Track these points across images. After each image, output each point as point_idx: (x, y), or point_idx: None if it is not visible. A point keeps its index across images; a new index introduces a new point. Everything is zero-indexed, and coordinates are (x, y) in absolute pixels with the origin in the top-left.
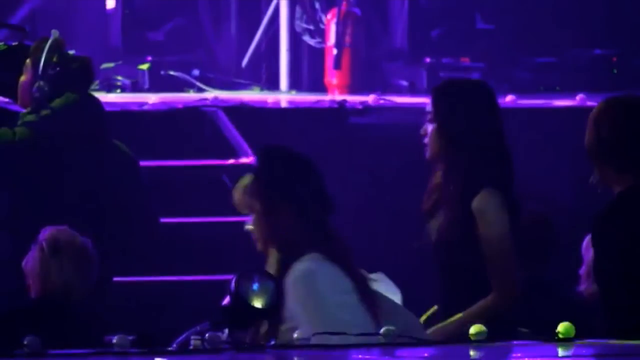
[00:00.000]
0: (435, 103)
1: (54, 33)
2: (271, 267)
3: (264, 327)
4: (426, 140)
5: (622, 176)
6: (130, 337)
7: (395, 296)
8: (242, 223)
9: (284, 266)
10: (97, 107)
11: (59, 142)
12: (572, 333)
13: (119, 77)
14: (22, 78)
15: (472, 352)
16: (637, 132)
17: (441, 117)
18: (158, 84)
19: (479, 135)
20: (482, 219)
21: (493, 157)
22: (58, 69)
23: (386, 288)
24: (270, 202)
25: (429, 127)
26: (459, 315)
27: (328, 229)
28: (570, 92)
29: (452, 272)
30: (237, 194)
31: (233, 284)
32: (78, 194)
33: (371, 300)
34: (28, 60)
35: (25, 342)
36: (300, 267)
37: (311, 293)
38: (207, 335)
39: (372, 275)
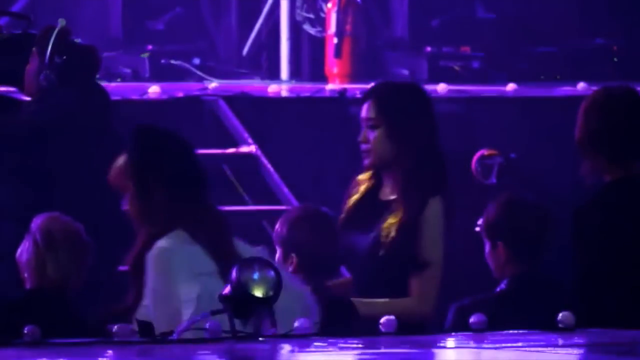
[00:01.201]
0: (380, 108)
1: (61, 22)
2: (138, 244)
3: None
4: (367, 147)
5: (613, 167)
6: (131, 326)
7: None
8: (243, 212)
9: (151, 243)
10: (103, 95)
11: (64, 130)
12: (573, 322)
13: (120, 66)
14: (28, 67)
15: (472, 342)
16: (627, 123)
17: (390, 121)
18: (158, 73)
19: (426, 139)
20: (426, 226)
21: (436, 161)
22: (65, 57)
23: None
24: (141, 181)
25: (371, 134)
26: (382, 301)
27: (199, 209)
28: (571, 81)
29: (393, 282)
30: (113, 173)
31: (234, 273)
32: (83, 182)
33: None
34: (34, 49)
35: (25, 332)
36: (158, 244)
37: (160, 271)
38: (207, 324)
39: (254, 250)
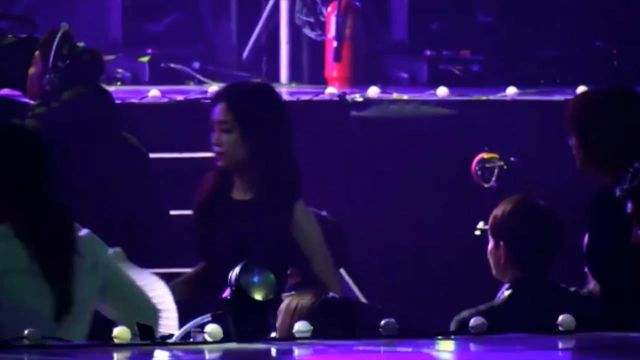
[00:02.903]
0: (233, 111)
1: (64, 25)
2: None
3: None
4: (219, 150)
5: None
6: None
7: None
8: None
9: None
10: (107, 99)
11: (68, 134)
12: (573, 325)
13: (119, 70)
14: (31, 70)
15: (472, 345)
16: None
17: (243, 125)
18: (158, 77)
19: (280, 142)
20: (300, 227)
21: (292, 165)
22: (68, 61)
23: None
24: None
25: (225, 136)
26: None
27: (31, 205)
28: (570, 85)
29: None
30: None
31: (233, 277)
32: (87, 186)
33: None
34: (37, 53)
35: (25, 334)
36: None
37: None
38: (207, 327)
39: (111, 250)
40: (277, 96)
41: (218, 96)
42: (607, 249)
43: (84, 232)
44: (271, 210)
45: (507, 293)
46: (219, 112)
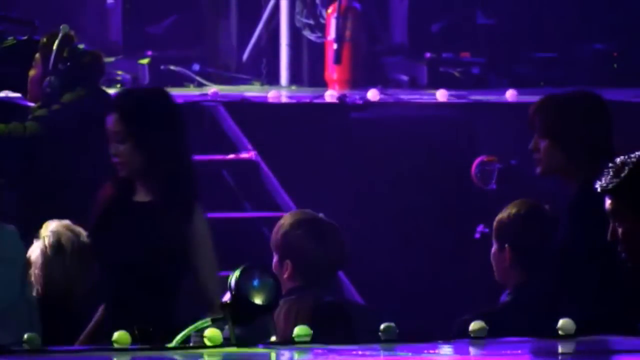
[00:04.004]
0: (125, 121)
1: (64, 28)
2: None
3: None
4: (118, 159)
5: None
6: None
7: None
8: (242, 219)
9: None
10: (108, 101)
11: (69, 136)
12: (573, 329)
13: (119, 72)
14: (32, 72)
15: (472, 349)
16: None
17: (137, 134)
18: (158, 79)
19: (175, 146)
20: (197, 233)
21: (189, 166)
22: (68, 63)
23: None
24: None
25: (121, 147)
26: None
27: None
28: (570, 87)
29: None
30: None
31: (233, 280)
32: (88, 188)
33: None
34: (37, 55)
35: (24, 339)
36: None
37: None
38: (207, 331)
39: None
40: (168, 99)
41: (110, 106)
42: (585, 252)
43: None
44: (170, 210)
45: (509, 298)
46: (111, 122)
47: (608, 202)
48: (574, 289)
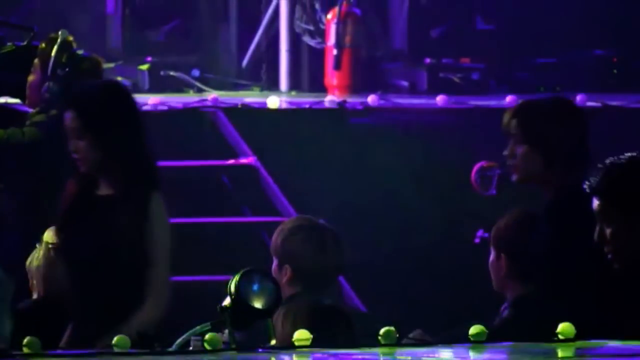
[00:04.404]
0: (81, 118)
1: (63, 33)
2: None
3: None
4: (77, 156)
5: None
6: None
7: None
8: (242, 224)
9: None
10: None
11: (67, 142)
12: (572, 333)
13: (119, 78)
14: (31, 78)
15: (471, 353)
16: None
17: (93, 131)
18: (158, 85)
19: (132, 139)
20: (149, 224)
21: (147, 157)
22: (67, 69)
23: None
24: None
25: (79, 143)
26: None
27: None
28: (570, 93)
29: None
30: None
31: (233, 285)
32: None
33: None
34: (36, 60)
35: (24, 343)
36: None
37: None
38: (207, 335)
39: None
40: (123, 93)
41: (67, 102)
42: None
43: None
44: (127, 203)
45: (507, 314)
46: (69, 119)
47: (596, 203)
48: (564, 296)
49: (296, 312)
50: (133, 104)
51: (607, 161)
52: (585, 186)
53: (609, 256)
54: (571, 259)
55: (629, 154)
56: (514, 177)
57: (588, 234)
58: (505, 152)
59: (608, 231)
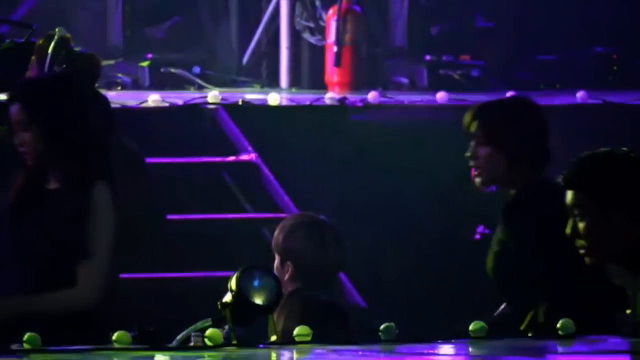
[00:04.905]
0: (27, 110)
1: (60, 30)
2: None
3: None
4: (24, 148)
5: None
6: (131, 334)
7: None
8: (243, 220)
9: None
10: (104, 104)
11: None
12: (572, 329)
13: (120, 75)
14: (28, 75)
15: (471, 349)
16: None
17: (39, 122)
18: (158, 82)
19: (77, 129)
20: (91, 212)
21: (95, 147)
22: (65, 66)
23: None
24: None
25: (25, 135)
26: (47, 295)
27: None
28: (570, 90)
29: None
30: None
31: (234, 281)
32: None
33: None
34: (33, 57)
35: (24, 339)
36: None
37: None
38: (207, 331)
39: None
40: (68, 84)
41: (11, 95)
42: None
43: None
44: (70, 193)
45: (507, 308)
46: (14, 112)
47: (570, 196)
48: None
49: (290, 307)
50: (77, 95)
51: (582, 155)
52: (558, 179)
53: (581, 251)
54: (532, 256)
55: (604, 149)
56: (478, 181)
57: (550, 231)
58: (467, 154)
59: (582, 225)
